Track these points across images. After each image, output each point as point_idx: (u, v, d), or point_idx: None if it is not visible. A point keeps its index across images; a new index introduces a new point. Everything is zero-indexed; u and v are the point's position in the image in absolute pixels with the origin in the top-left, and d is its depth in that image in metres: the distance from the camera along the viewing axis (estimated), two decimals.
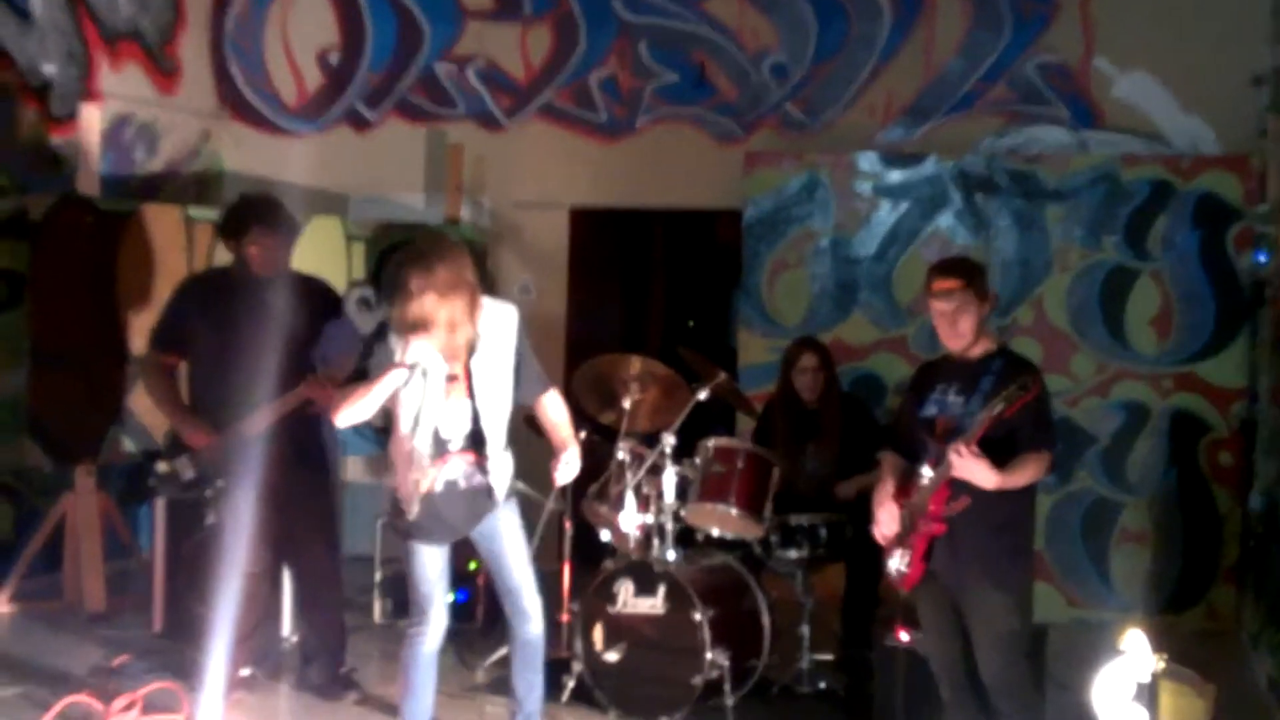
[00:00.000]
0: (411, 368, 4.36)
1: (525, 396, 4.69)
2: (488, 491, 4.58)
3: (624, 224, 9.11)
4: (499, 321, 4.58)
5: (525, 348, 4.66)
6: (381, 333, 4.54)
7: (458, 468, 4.55)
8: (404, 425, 4.49)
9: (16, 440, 7.06)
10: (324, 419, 5.66)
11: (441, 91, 8.60)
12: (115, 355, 7.04)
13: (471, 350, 4.49)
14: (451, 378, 4.49)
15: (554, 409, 4.77)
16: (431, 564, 4.62)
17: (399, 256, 4.44)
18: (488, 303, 4.56)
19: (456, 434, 4.54)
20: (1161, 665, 3.69)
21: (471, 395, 4.51)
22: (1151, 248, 7.09)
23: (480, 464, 4.56)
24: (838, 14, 7.97)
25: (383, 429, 7.66)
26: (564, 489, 5.03)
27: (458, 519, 4.59)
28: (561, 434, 4.72)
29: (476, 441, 4.54)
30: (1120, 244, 7.12)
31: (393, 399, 4.48)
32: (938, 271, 4.57)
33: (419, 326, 4.32)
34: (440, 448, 4.52)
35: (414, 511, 4.51)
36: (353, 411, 4.49)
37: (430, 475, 4.49)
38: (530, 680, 4.81)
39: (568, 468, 4.65)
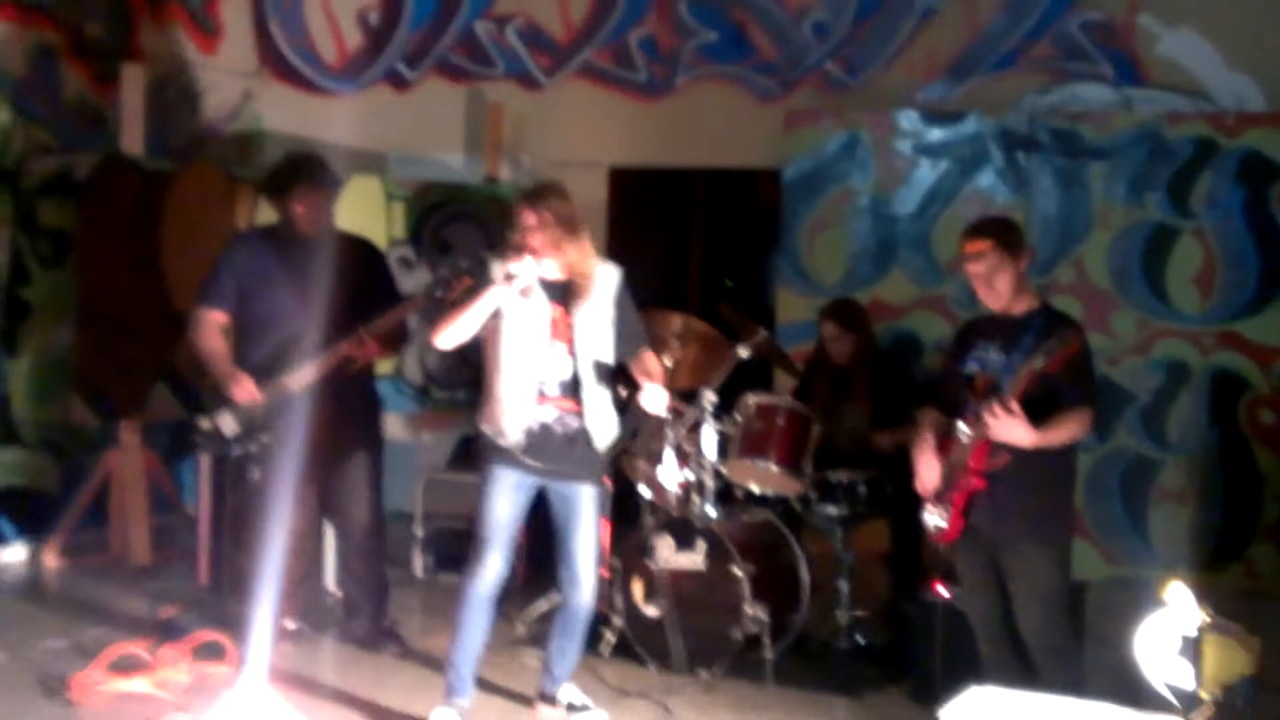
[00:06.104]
0: (509, 278, 4.49)
1: (626, 353, 4.78)
2: (587, 438, 4.67)
3: (663, 183, 9.10)
4: (604, 278, 4.71)
5: (629, 306, 4.78)
6: (482, 264, 4.67)
7: (551, 412, 4.65)
8: (505, 365, 4.61)
9: (62, 397, 7.17)
10: (367, 376, 5.74)
11: (481, 51, 8.60)
12: (159, 313, 7.11)
13: (583, 297, 4.61)
14: (554, 322, 4.61)
15: (651, 363, 4.84)
16: (503, 508, 4.69)
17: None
18: (598, 261, 4.71)
19: (553, 380, 4.64)
20: (1206, 618, 3.67)
21: (572, 343, 4.63)
22: (1195, 206, 7.02)
23: (576, 411, 4.65)
24: None
25: (421, 387, 7.75)
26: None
27: (556, 451, 4.66)
28: (654, 380, 4.77)
29: (574, 389, 4.65)
30: (1163, 202, 7.06)
31: (494, 340, 4.60)
32: (968, 234, 4.59)
33: (528, 251, 4.52)
34: (538, 391, 4.63)
35: (514, 438, 4.60)
36: (452, 331, 4.61)
37: (528, 412, 4.61)
38: (564, 646, 4.88)
39: (653, 396, 4.69)
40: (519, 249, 4.57)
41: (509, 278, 4.52)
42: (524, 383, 4.63)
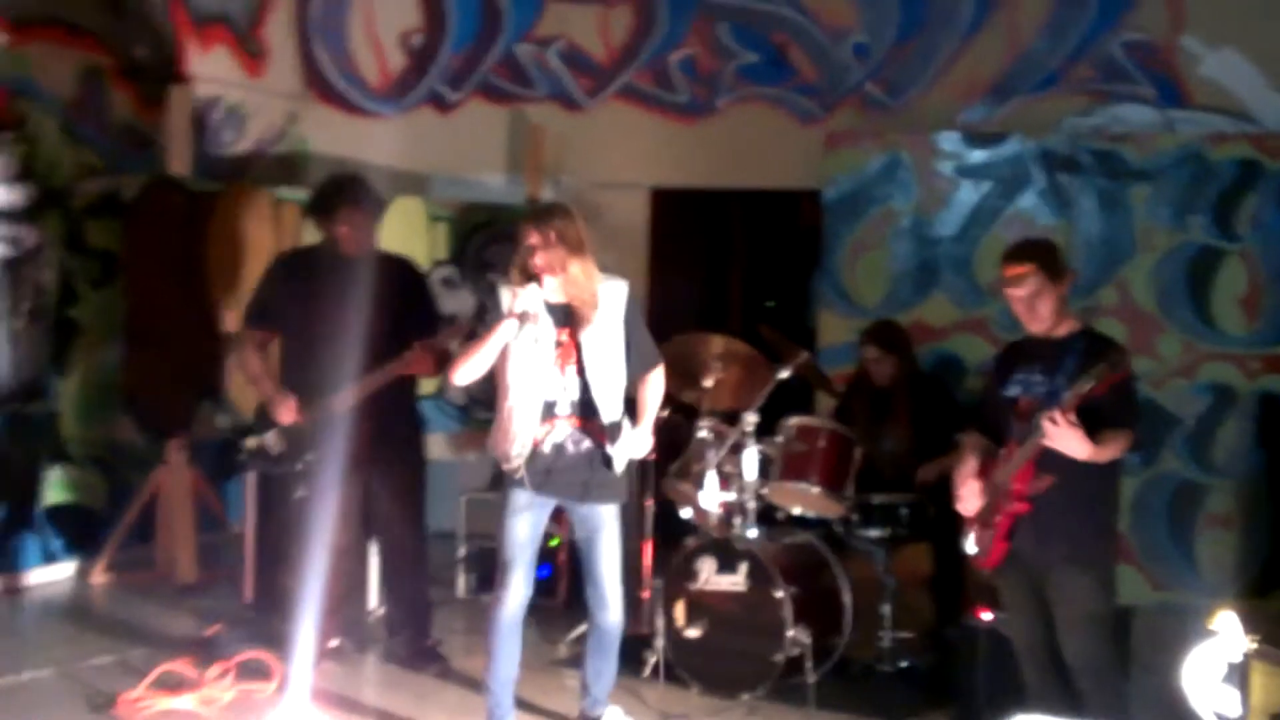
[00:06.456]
0: (521, 316, 4.49)
1: (635, 370, 4.77)
2: (605, 459, 4.67)
3: (704, 204, 9.12)
4: (611, 296, 4.70)
5: (637, 322, 4.77)
6: (492, 291, 4.67)
7: (564, 431, 4.64)
8: (512, 389, 4.60)
9: (111, 416, 7.24)
10: (409, 396, 5.78)
11: (522, 72, 8.66)
12: (206, 333, 7.18)
13: (587, 319, 4.59)
14: (561, 345, 4.60)
15: (652, 387, 4.83)
16: (521, 529, 4.69)
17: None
18: (602, 278, 4.69)
19: (564, 402, 4.63)
20: (1254, 646, 3.65)
21: (581, 365, 4.61)
22: (1239, 228, 6.97)
23: (589, 430, 4.64)
24: None
25: (464, 406, 7.79)
26: (644, 466, 5.07)
27: (572, 476, 4.65)
28: (644, 413, 4.78)
29: (586, 410, 4.63)
30: (1207, 224, 7.01)
31: (502, 363, 4.59)
32: (1008, 258, 4.55)
33: (533, 271, 4.52)
34: (547, 412, 4.62)
35: (515, 465, 4.60)
36: (469, 367, 4.61)
37: (537, 435, 4.60)
38: (599, 667, 4.90)
39: (629, 444, 4.69)
40: (524, 270, 4.57)
41: (517, 315, 4.50)
42: (531, 407, 4.61)
